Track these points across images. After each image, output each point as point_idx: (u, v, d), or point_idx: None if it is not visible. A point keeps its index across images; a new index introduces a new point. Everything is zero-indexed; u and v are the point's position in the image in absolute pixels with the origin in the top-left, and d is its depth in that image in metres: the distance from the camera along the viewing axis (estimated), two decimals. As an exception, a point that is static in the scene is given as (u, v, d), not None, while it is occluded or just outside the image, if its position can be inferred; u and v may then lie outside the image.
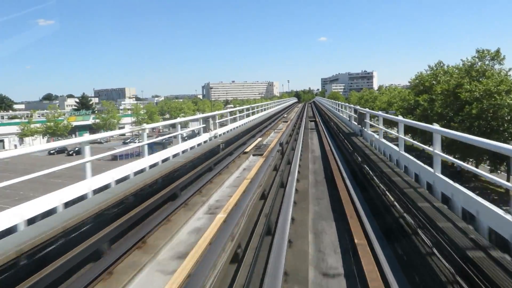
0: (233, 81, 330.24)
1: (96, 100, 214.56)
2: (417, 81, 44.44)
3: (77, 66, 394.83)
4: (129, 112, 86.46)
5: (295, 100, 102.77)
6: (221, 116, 17.72)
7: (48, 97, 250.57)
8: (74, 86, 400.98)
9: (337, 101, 37.83)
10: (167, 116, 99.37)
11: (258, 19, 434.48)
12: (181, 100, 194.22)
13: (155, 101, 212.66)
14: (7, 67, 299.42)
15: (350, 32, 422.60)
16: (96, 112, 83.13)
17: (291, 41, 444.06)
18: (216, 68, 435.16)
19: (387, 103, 65.39)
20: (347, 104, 24.18)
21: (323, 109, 44.30)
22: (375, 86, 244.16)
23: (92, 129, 74.56)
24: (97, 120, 76.07)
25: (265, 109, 38.40)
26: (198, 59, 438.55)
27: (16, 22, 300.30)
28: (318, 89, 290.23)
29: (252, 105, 30.99)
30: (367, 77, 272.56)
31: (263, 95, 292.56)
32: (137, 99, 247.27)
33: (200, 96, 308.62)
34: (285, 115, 37.71)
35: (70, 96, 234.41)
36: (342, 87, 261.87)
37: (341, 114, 25.68)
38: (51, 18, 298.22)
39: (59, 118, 68.33)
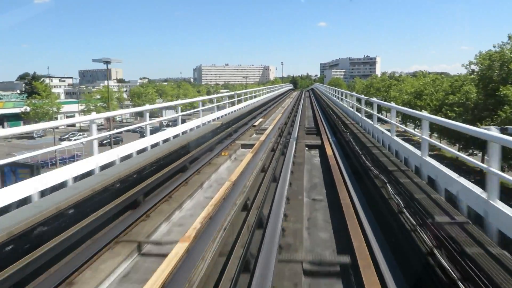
0: (227, 64, 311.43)
1: (70, 81, 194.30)
2: (487, 62, 26.64)
3: (66, 45, 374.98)
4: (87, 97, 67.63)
5: (289, 87, 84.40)
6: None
7: (25, 77, 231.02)
8: (63, 67, 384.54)
9: (357, 94, 19.85)
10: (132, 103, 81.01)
11: (255, 3, 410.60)
12: (165, 83, 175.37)
13: (138, 84, 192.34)
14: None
15: (351, 18, 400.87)
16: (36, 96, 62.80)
17: (289, 25, 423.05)
18: (210, 52, 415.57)
19: (414, 95, 47.65)
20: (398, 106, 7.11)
21: (329, 104, 26.44)
22: (378, 73, 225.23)
23: (22, 119, 56.60)
24: (28, 108, 56.93)
25: (250, 98, 25.88)
26: (193, 42, 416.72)
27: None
28: (316, 75, 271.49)
29: (230, 94, 22.24)
30: (370, 62, 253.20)
31: (255, 79, 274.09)
32: (119, 81, 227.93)
33: (192, 80, 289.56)
34: (262, 119, 20.10)
35: (49, 76, 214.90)
36: (343, 73, 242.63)
37: (368, 122, 11.13)
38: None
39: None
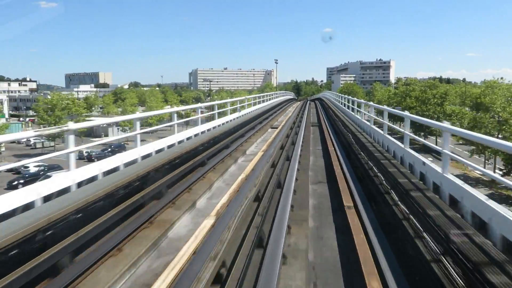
0: (225, 68, 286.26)
1: (34, 85, 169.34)
2: None
3: (58, 49, 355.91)
4: None
5: (288, 97, 57.91)
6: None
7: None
8: (55, 70, 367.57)
9: None
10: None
11: (259, 8, 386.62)
12: (146, 88, 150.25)
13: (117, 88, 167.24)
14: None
15: (357, 23, 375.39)
16: None
17: (293, 31, 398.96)
18: (208, 56, 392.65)
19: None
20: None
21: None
22: (392, 78, 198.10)
23: None
24: None
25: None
26: (192, 46, 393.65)
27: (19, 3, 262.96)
28: (322, 81, 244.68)
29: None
30: (383, 67, 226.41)
31: (256, 85, 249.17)
32: (97, 85, 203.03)
33: (190, 85, 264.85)
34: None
35: (24, 80, 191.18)
36: (353, 78, 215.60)
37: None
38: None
39: None
